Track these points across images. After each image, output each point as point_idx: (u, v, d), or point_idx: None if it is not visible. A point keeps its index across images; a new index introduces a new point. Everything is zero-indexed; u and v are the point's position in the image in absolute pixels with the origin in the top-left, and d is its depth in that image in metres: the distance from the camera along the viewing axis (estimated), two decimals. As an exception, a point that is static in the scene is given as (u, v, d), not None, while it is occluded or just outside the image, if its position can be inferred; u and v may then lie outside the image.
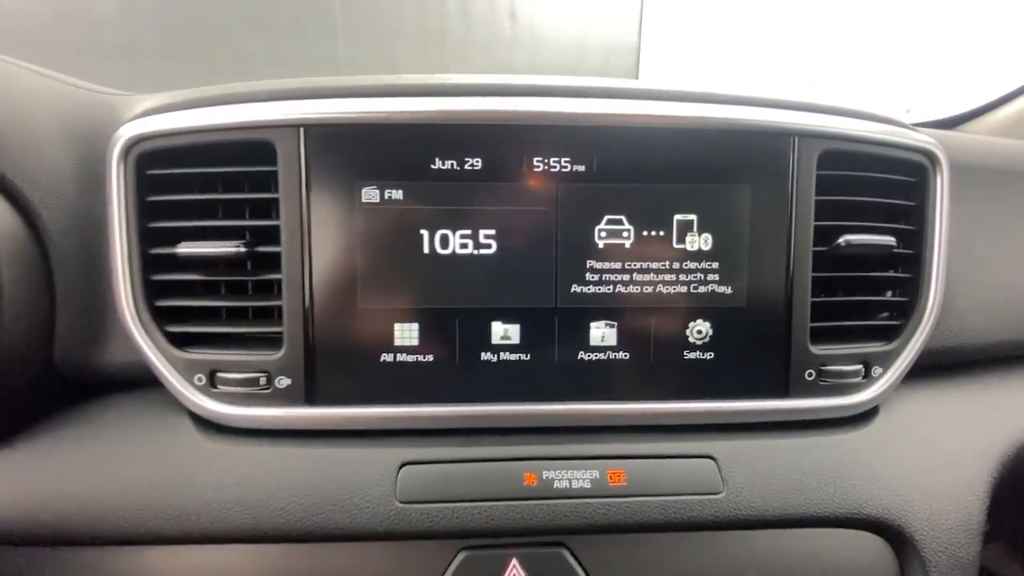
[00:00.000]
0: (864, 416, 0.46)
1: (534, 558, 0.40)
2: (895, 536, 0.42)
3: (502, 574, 0.40)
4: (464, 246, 0.41)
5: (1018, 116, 0.81)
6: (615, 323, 0.42)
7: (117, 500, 0.39)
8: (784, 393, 0.43)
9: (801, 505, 0.41)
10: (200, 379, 0.41)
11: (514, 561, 0.40)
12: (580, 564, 0.40)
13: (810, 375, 0.44)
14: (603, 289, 0.42)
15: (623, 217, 0.41)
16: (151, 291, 0.41)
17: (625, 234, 0.42)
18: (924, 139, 0.45)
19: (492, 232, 0.41)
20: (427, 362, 0.41)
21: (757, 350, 0.43)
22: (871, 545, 0.42)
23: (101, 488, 0.39)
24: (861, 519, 0.42)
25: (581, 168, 0.41)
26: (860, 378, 0.45)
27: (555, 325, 0.42)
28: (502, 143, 0.40)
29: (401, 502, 0.39)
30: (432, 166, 0.40)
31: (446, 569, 0.40)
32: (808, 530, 0.42)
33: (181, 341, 0.41)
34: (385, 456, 0.40)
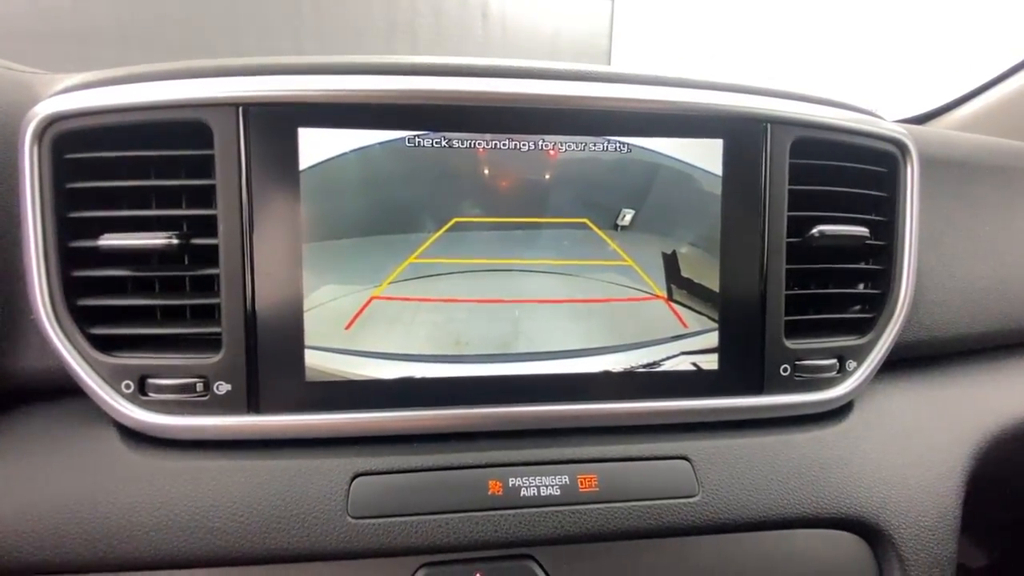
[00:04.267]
0: (839, 411, 0.45)
1: (500, 572, 0.37)
2: (873, 534, 0.41)
3: (465, 591, 0.37)
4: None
5: (978, 114, 0.83)
6: (584, 319, 0.40)
7: (30, 523, 0.34)
8: (759, 389, 0.42)
9: (779, 505, 0.40)
10: (128, 386, 0.37)
11: (478, 576, 0.37)
12: None
13: (785, 370, 0.42)
14: (571, 282, 0.39)
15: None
16: (71, 289, 0.37)
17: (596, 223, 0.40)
18: (895, 128, 0.45)
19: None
20: None
21: (732, 345, 0.41)
22: (849, 544, 0.41)
23: (13, 509, 0.35)
24: (839, 518, 0.40)
25: (548, 153, 0.39)
26: (835, 372, 0.44)
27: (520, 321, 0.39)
28: (461, 126, 0.38)
29: (354, 517, 0.36)
30: None
31: None
32: (786, 531, 0.40)
33: (106, 344, 0.37)
34: (336, 467, 0.37)
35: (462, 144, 0.38)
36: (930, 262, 0.50)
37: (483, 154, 0.38)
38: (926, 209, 0.50)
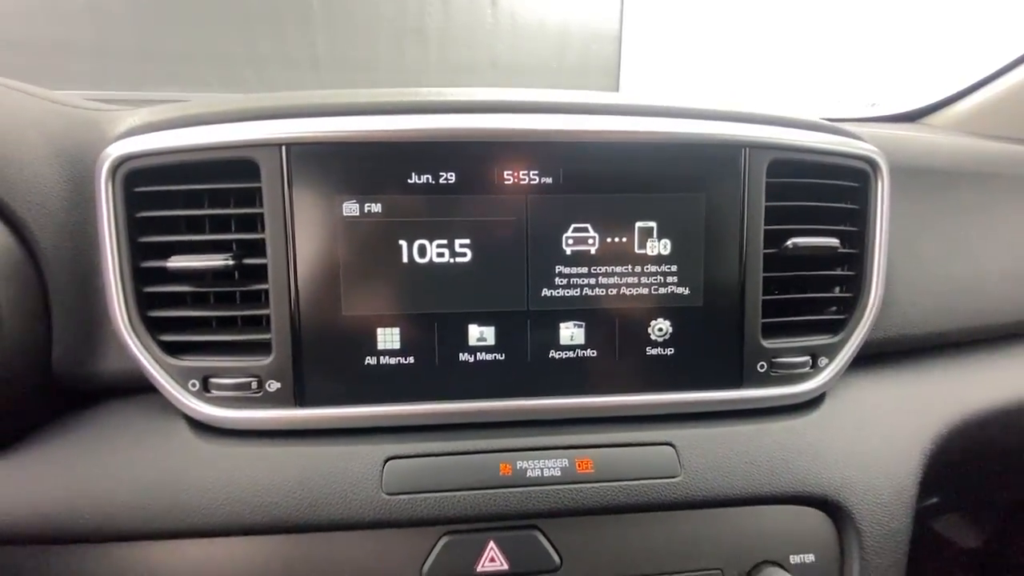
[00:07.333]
0: (811, 403, 0.50)
1: (510, 540, 0.44)
2: (834, 511, 0.47)
3: (481, 556, 0.43)
4: (441, 255, 0.43)
5: (977, 109, 0.85)
6: (583, 323, 0.45)
7: (120, 499, 0.41)
8: (738, 384, 0.47)
9: (751, 486, 0.45)
10: (194, 384, 0.43)
11: (491, 543, 0.43)
12: (552, 544, 0.44)
13: (762, 367, 0.47)
14: (571, 292, 0.45)
15: (588, 225, 0.44)
16: (143, 303, 0.43)
17: (591, 241, 0.45)
18: (867, 147, 0.49)
19: (467, 241, 0.43)
20: (408, 364, 0.44)
21: (713, 345, 0.46)
22: (814, 519, 0.47)
23: (105, 489, 0.41)
24: (805, 497, 0.46)
25: (548, 180, 0.43)
26: (808, 368, 0.49)
27: (527, 326, 0.45)
28: (474, 158, 0.43)
29: (387, 493, 0.42)
30: (408, 180, 0.42)
31: (430, 553, 0.43)
32: (758, 508, 0.46)
33: (174, 349, 0.44)
34: (371, 452, 0.43)
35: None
36: (905, 265, 0.54)
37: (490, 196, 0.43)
38: (903, 215, 0.54)
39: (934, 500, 0.91)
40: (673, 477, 0.44)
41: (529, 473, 0.43)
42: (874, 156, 0.48)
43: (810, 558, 0.46)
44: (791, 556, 0.46)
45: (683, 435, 0.46)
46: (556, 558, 0.44)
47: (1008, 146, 0.66)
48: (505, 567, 0.43)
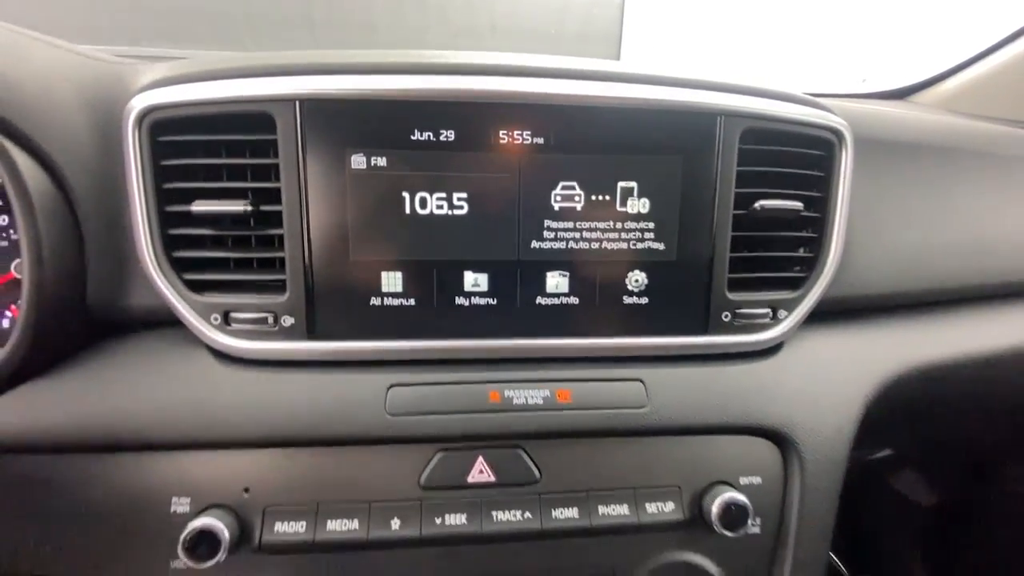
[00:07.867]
0: (769, 350, 0.56)
1: (497, 456, 0.50)
2: (782, 441, 0.53)
3: (471, 469, 0.50)
4: (440, 207, 0.47)
5: (962, 88, 0.89)
6: (567, 273, 0.50)
7: (149, 414, 0.46)
8: (704, 331, 0.53)
9: (709, 418, 0.51)
10: (216, 319, 0.48)
11: (480, 458, 0.50)
12: (533, 461, 0.50)
13: (726, 316, 0.53)
14: (558, 244, 0.49)
15: (575, 183, 0.49)
16: (169, 244, 0.47)
17: (577, 198, 0.49)
18: (833, 119, 0.53)
19: (464, 195, 0.48)
20: (409, 305, 0.49)
21: (683, 296, 0.52)
22: (762, 448, 0.53)
23: (136, 404, 0.46)
24: (757, 428, 0.52)
25: (540, 140, 0.48)
26: (768, 320, 0.54)
27: (517, 274, 0.49)
28: (471, 118, 0.46)
29: (390, 414, 0.48)
30: (412, 137, 0.46)
31: (426, 465, 0.49)
32: (715, 436, 0.52)
33: (197, 287, 0.48)
34: (376, 380, 0.49)
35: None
36: (863, 230, 0.59)
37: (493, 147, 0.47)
38: (867, 184, 0.59)
39: (888, 452, 0.99)
40: (641, 408, 0.50)
41: (515, 401, 0.49)
42: (839, 127, 0.53)
43: (757, 480, 0.53)
44: (741, 477, 0.52)
45: (652, 373, 0.52)
46: (536, 473, 0.50)
47: (972, 123, 0.70)
48: (492, 479, 0.50)
